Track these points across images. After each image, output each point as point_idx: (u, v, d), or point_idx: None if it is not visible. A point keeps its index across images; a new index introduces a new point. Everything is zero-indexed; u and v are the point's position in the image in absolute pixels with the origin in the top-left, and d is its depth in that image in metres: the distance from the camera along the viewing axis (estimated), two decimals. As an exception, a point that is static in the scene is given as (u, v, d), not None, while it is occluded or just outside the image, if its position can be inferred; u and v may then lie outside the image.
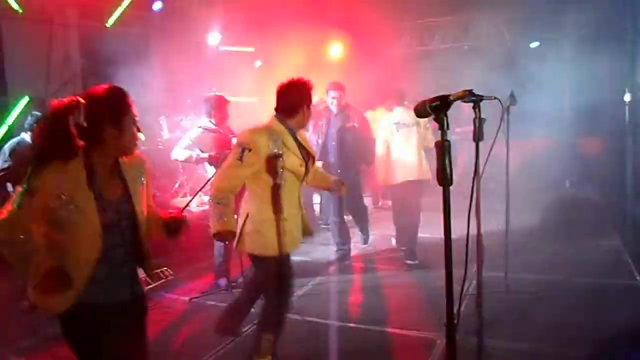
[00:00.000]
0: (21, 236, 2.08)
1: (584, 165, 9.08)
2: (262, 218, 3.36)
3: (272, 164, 3.17)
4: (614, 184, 7.21)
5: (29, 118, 5.19)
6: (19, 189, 2.07)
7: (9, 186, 5.03)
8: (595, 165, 8.94)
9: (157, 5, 8.45)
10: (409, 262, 5.98)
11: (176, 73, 8.05)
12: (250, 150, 3.20)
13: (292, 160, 3.34)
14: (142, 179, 2.40)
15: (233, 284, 5.28)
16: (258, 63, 10.46)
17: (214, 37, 9.43)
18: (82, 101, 2.11)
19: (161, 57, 8.17)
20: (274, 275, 3.39)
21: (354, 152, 6.14)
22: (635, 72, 6.51)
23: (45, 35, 7.46)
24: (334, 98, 6.13)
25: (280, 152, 3.20)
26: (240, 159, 3.23)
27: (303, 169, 3.42)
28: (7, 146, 5.08)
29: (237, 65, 9.78)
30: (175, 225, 2.51)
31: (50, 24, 7.54)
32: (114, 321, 2.25)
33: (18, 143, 5.09)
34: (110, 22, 8.16)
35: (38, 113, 5.24)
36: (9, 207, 2.06)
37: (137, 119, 2.26)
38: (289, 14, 9.16)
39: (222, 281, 5.38)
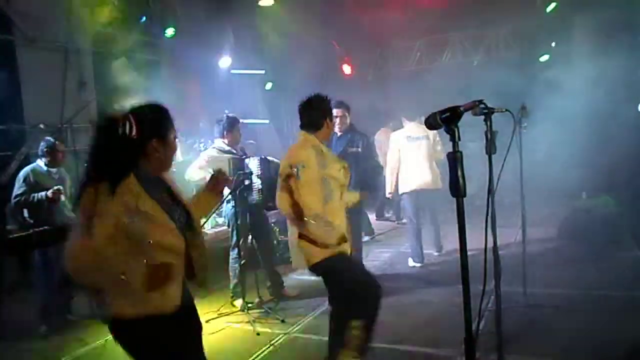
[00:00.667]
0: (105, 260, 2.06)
1: (600, 176, 8.97)
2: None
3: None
4: (631, 194, 7.11)
5: (42, 143, 5.27)
6: (82, 218, 2.05)
7: (25, 212, 5.09)
8: (612, 175, 8.84)
9: (169, 33, 8.60)
10: (435, 253, 6.87)
11: (188, 96, 8.15)
12: (304, 167, 3.34)
13: (334, 166, 3.52)
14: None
15: (249, 304, 5.26)
16: (269, 85, 10.55)
17: (224, 61, 9.54)
18: (130, 117, 2.16)
19: (173, 81, 8.27)
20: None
21: (355, 181, 5.50)
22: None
23: (60, 62, 7.59)
24: (336, 117, 5.51)
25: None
26: (296, 177, 3.33)
27: (343, 173, 3.57)
28: (22, 173, 5.15)
29: (248, 88, 9.89)
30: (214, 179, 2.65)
31: (64, 51, 7.69)
32: (179, 329, 2.26)
33: (32, 170, 5.16)
34: (124, 49, 8.30)
35: (51, 139, 5.32)
36: (80, 236, 2.04)
37: (177, 134, 2.36)
38: (298, 35, 9.28)
39: (239, 302, 5.37)
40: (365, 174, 5.54)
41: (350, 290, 3.54)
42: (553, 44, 10.24)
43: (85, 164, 2.25)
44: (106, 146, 2.16)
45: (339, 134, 5.63)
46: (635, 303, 4.72)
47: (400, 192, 6.69)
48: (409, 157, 6.55)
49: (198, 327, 2.52)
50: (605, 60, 8.83)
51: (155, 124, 2.23)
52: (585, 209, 7.47)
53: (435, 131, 6.09)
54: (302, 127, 3.60)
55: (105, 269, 2.07)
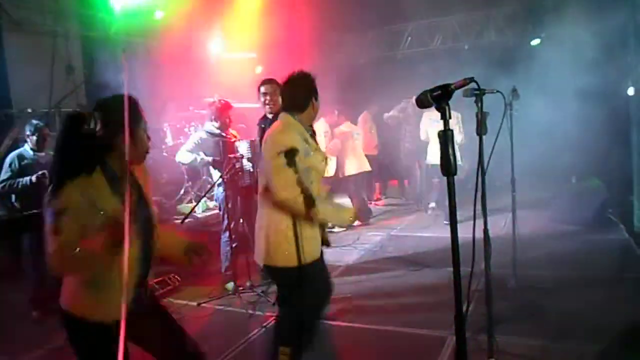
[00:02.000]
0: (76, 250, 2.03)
1: (590, 160, 9.04)
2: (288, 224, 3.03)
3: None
4: (620, 178, 7.17)
5: (28, 127, 5.22)
6: (49, 216, 2.05)
7: (13, 197, 5.06)
8: (602, 159, 8.90)
9: (158, 15, 8.48)
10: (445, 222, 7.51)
11: (179, 81, 8.08)
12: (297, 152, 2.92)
13: (317, 156, 3.15)
14: (145, 183, 2.44)
15: (240, 287, 5.27)
16: (259, 69, 10.47)
17: (215, 45, 9.46)
18: (94, 112, 2.15)
19: (163, 65, 8.19)
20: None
21: None
22: (638, 65, 6.48)
23: (48, 47, 7.49)
24: (265, 95, 4.97)
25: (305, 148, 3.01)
26: (289, 163, 2.88)
27: (324, 165, 3.26)
28: (8, 158, 5.11)
29: (239, 72, 9.80)
30: (196, 249, 2.63)
31: (52, 36, 7.58)
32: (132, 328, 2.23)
33: (18, 155, 5.12)
34: (113, 32, 8.19)
35: (36, 122, 5.27)
36: (52, 237, 2.03)
37: (147, 127, 2.31)
38: (290, 18, 9.19)
39: (230, 285, 5.38)
40: None
41: (296, 314, 3.22)
42: (543, 32, 10.21)
43: (52, 162, 2.24)
44: (72, 143, 2.14)
45: (269, 116, 5.00)
46: (624, 284, 4.78)
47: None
48: (432, 136, 8.07)
49: (162, 314, 2.54)
50: (596, 44, 8.85)
51: (122, 117, 2.07)
52: (575, 192, 7.53)
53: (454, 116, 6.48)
54: (284, 108, 3.19)
55: (83, 257, 2.04)
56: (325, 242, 3.34)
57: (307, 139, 3.12)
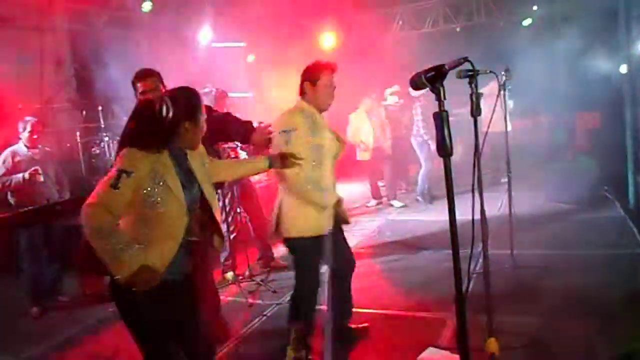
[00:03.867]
0: (116, 224, 2.24)
1: (584, 138, 9.08)
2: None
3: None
4: (614, 156, 7.20)
5: (21, 124, 5.18)
6: (113, 172, 2.23)
7: (8, 193, 5.04)
8: (595, 137, 8.94)
9: (146, 7, 8.39)
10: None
11: (169, 71, 8.02)
12: (295, 130, 3.28)
13: (325, 135, 3.42)
14: (205, 163, 2.68)
15: (240, 277, 5.28)
16: (251, 58, 10.42)
17: (205, 34, 9.38)
18: (166, 101, 2.35)
19: (153, 56, 8.13)
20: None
21: None
22: (630, 43, 6.47)
23: (36, 42, 7.42)
24: (145, 94, 4.04)
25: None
26: (287, 143, 3.24)
27: (336, 143, 3.54)
28: (2, 155, 5.07)
29: (230, 61, 9.75)
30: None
31: (40, 30, 7.50)
32: (176, 296, 2.45)
33: (12, 151, 5.09)
34: (101, 25, 8.12)
35: (28, 118, 5.24)
36: (102, 189, 2.20)
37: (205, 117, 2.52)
38: (279, 6, 9.13)
39: (230, 275, 5.38)
40: None
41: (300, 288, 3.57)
42: (535, 7, 10.18)
43: (126, 129, 2.42)
44: (144, 124, 2.36)
45: None
46: (619, 261, 4.82)
47: None
48: None
49: (194, 300, 2.64)
50: (588, 23, 8.85)
51: (187, 107, 2.40)
52: (569, 171, 7.55)
53: None
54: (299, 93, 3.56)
55: (111, 237, 2.17)
56: (344, 221, 3.69)
57: (315, 118, 3.40)
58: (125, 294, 2.25)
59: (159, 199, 2.29)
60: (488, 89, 7.19)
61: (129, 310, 2.36)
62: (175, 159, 2.44)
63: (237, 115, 4.09)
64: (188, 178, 2.49)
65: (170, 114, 2.34)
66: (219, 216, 2.69)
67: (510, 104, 8.58)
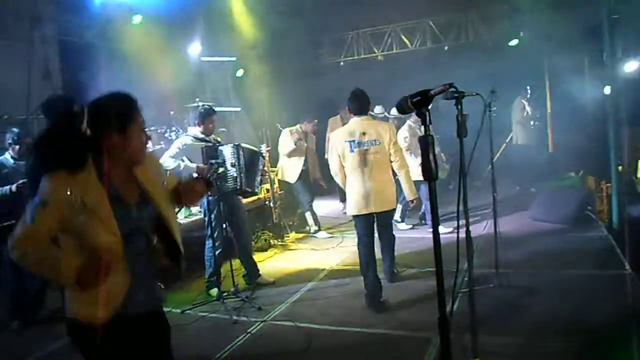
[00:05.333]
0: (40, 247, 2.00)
1: (569, 157, 9.19)
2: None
3: None
4: (598, 174, 7.29)
5: (8, 135, 5.14)
6: (31, 203, 1.99)
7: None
8: (581, 156, 9.05)
9: (136, 19, 8.41)
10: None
11: (158, 85, 8.02)
12: None
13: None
14: (164, 180, 2.39)
15: (224, 293, 5.24)
16: (240, 72, 10.44)
17: (194, 48, 9.40)
18: (85, 108, 2.09)
19: (142, 69, 8.12)
20: None
21: None
22: (614, 64, 6.59)
23: (24, 52, 7.38)
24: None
25: None
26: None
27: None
28: None
29: (219, 76, 9.77)
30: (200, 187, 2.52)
31: (28, 41, 7.47)
32: (135, 334, 2.20)
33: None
34: (90, 36, 8.11)
35: (16, 130, 5.19)
36: (20, 226, 1.99)
37: (144, 126, 2.23)
38: (269, 21, 9.19)
39: (214, 291, 5.35)
40: None
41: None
42: (521, 33, 10.34)
43: (39, 153, 2.11)
44: (62, 137, 2.06)
45: None
46: (602, 281, 4.86)
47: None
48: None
49: (161, 333, 2.42)
50: (573, 44, 8.99)
51: (115, 116, 2.10)
52: (554, 190, 7.63)
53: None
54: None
55: (48, 261, 2.02)
56: None
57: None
58: (84, 333, 2.09)
59: (85, 227, 2.02)
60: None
61: (89, 350, 2.14)
62: (101, 177, 2.09)
63: None
64: (129, 199, 2.20)
65: (91, 125, 2.07)
66: (179, 237, 2.39)
67: (537, 113, 9.20)
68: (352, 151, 4.83)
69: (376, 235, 5.18)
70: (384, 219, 5.10)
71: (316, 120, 7.98)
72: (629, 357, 3.41)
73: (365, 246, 4.98)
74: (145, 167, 2.27)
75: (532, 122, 9.57)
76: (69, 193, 1.97)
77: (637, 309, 4.06)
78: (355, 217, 4.99)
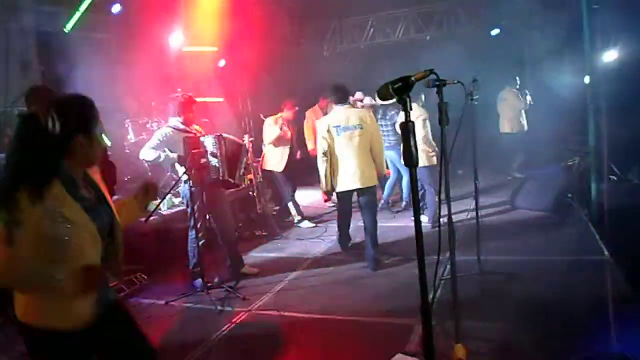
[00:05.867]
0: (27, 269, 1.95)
1: (550, 146, 9.29)
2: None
3: None
4: (578, 162, 7.39)
5: None
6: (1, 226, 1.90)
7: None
8: (561, 145, 9.16)
9: (115, 8, 8.29)
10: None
11: (139, 76, 7.93)
12: None
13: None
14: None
15: (209, 284, 5.23)
16: (222, 62, 10.36)
17: (175, 38, 9.30)
18: (53, 112, 2.02)
19: (123, 60, 8.02)
20: None
21: None
22: (593, 54, 6.66)
23: (2, 43, 7.25)
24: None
25: None
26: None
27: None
28: None
29: (201, 66, 9.68)
30: (149, 193, 2.63)
31: (6, 32, 7.34)
32: (92, 334, 2.19)
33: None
34: (69, 27, 7.98)
35: None
36: (2, 248, 1.89)
37: (102, 129, 2.25)
38: (250, 11, 9.12)
39: (198, 282, 5.33)
40: None
41: None
42: (503, 21, 10.41)
43: (4, 167, 2.03)
44: (27, 146, 2.01)
45: None
46: (583, 266, 4.93)
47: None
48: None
49: (124, 321, 2.44)
50: (553, 34, 9.07)
51: (80, 118, 2.09)
52: (534, 178, 7.72)
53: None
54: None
55: (31, 275, 1.98)
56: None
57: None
58: (40, 338, 2.10)
59: (65, 235, 2.01)
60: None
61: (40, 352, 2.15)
62: (69, 187, 2.07)
63: None
64: (92, 200, 2.20)
65: (58, 128, 2.00)
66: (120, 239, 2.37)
67: (528, 99, 9.36)
68: (338, 135, 5.51)
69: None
70: (367, 194, 5.67)
71: (297, 108, 7.90)
72: (607, 340, 3.48)
73: (344, 217, 6.12)
74: (92, 170, 2.30)
75: (522, 111, 9.64)
76: (42, 207, 1.92)
77: (615, 293, 4.13)
78: (340, 193, 5.71)
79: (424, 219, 7.05)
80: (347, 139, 5.49)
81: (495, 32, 10.67)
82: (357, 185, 5.53)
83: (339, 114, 5.57)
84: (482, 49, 10.19)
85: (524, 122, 9.69)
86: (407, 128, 1.73)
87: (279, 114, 7.72)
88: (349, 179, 5.53)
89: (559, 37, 8.95)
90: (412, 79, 1.79)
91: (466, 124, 3.93)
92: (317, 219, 8.29)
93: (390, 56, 10.90)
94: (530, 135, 9.68)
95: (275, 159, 7.73)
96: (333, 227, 7.58)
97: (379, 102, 7.68)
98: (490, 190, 8.51)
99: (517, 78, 9.63)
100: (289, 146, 7.76)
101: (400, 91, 1.78)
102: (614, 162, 7.23)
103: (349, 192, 5.71)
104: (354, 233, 6.68)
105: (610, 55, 7.50)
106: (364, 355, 3.76)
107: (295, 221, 8.01)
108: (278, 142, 7.61)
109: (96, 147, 2.17)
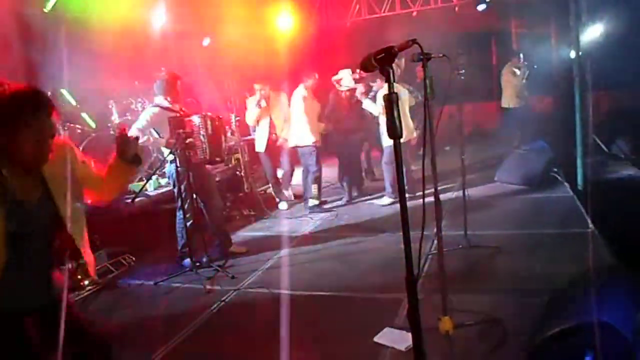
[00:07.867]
0: None
1: (536, 121, 9.32)
2: None
3: None
4: (564, 138, 7.43)
5: None
6: None
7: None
8: (547, 120, 9.20)
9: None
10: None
11: (122, 56, 7.81)
12: None
13: None
14: (69, 168, 2.23)
15: (197, 263, 5.23)
16: (207, 41, 10.22)
17: (159, 17, 9.14)
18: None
19: (105, 40, 7.88)
20: None
21: None
22: (579, 28, 6.65)
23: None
24: None
25: None
26: None
27: None
28: None
29: (185, 45, 9.55)
30: (123, 144, 2.41)
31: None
32: (23, 331, 2.16)
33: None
34: (49, 6, 7.82)
35: None
36: None
37: (52, 127, 2.05)
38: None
39: (186, 262, 5.33)
40: None
41: None
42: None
43: None
44: None
45: None
46: (568, 239, 4.99)
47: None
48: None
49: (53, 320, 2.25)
50: (541, 9, 9.05)
51: (6, 115, 1.93)
52: (520, 152, 7.76)
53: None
54: None
55: None
56: None
57: None
58: None
59: None
60: None
61: None
62: None
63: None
64: (29, 198, 2.10)
65: None
66: (80, 236, 2.32)
67: (525, 73, 9.32)
68: None
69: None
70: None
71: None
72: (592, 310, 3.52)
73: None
74: (53, 160, 2.14)
75: (519, 86, 9.61)
76: None
77: (599, 264, 4.19)
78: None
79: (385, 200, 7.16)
80: None
81: (482, 7, 10.60)
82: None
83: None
84: (468, 24, 10.14)
85: (522, 97, 9.63)
86: (390, 99, 1.71)
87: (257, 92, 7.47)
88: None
89: (547, 12, 8.93)
90: (395, 49, 1.77)
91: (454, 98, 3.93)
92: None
93: (377, 33, 10.80)
94: (527, 110, 9.68)
95: (257, 138, 7.69)
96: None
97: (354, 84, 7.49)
98: (477, 166, 8.56)
99: (521, 55, 9.53)
100: (268, 126, 7.60)
101: (383, 62, 1.76)
102: (598, 136, 7.29)
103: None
104: (341, 211, 6.66)
105: (595, 30, 7.51)
106: (353, 330, 3.78)
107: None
108: (259, 120, 7.52)
109: (25, 151, 2.00)
